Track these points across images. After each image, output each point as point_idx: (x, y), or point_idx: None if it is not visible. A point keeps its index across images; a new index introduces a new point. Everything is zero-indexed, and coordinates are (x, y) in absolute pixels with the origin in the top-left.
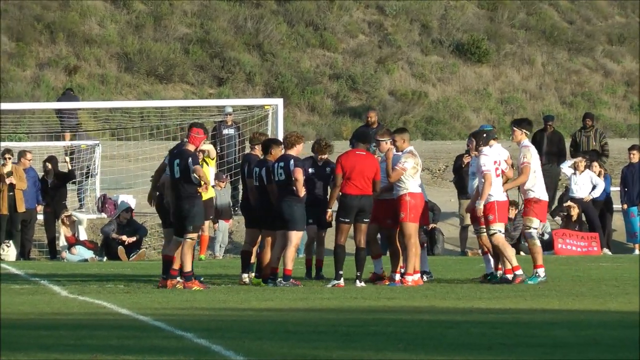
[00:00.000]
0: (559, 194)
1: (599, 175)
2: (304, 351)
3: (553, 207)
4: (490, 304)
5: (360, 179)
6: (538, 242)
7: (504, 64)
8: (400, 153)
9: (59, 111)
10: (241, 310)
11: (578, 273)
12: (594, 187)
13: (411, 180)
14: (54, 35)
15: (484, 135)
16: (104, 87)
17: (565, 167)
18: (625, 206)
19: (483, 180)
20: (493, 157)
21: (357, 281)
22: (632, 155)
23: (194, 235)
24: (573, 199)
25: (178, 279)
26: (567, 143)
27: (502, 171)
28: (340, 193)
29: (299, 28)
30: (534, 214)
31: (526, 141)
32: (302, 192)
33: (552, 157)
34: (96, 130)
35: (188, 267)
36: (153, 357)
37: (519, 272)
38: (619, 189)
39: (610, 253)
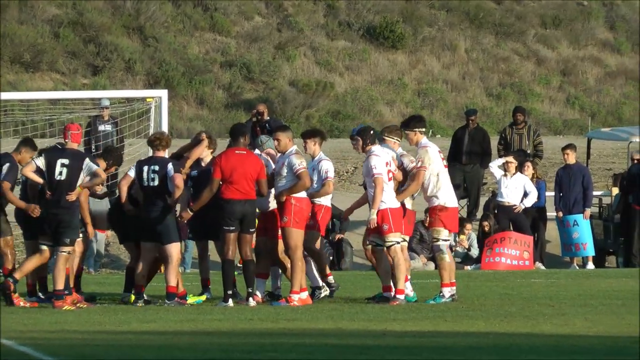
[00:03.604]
0: (483, 200)
1: (532, 178)
2: None
3: (479, 215)
4: (406, 326)
5: (243, 182)
6: (447, 257)
7: (421, 50)
8: (281, 154)
9: None
10: (119, 334)
11: (507, 290)
12: (525, 194)
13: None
14: None
15: (372, 132)
16: None
17: (495, 167)
18: (561, 214)
19: (374, 185)
20: (385, 157)
21: (250, 299)
22: (566, 156)
23: (70, 249)
24: (501, 206)
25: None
26: (495, 141)
27: (393, 174)
28: (221, 199)
29: (185, 8)
30: (441, 224)
31: (424, 140)
32: (175, 201)
33: (474, 157)
34: None
35: (60, 285)
36: None
37: (401, 296)
38: (553, 193)
39: (543, 268)
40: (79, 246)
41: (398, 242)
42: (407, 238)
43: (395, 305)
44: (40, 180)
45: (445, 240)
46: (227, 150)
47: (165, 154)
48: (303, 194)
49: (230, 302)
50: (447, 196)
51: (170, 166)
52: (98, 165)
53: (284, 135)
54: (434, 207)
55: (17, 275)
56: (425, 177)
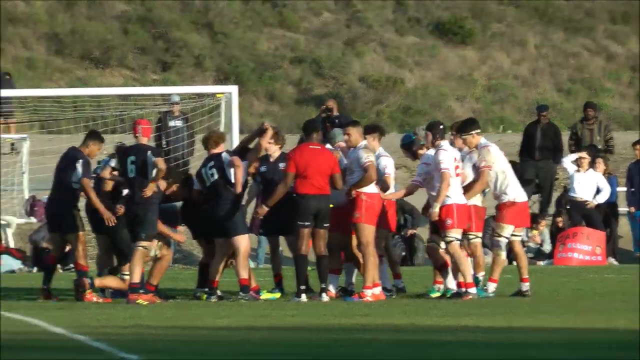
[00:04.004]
0: (555, 195)
1: (603, 174)
2: None
3: (551, 211)
4: (479, 322)
5: (318, 177)
6: (503, 256)
7: (491, 46)
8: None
9: None
10: (193, 329)
11: (580, 285)
12: (598, 191)
13: None
14: None
15: (441, 127)
16: (32, 73)
17: (568, 162)
18: (633, 209)
19: (441, 180)
20: (453, 153)
21: (323, 295)
22: (638, 151)
23: (147, 244)
24: (574, 201)
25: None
26: (565, 136)
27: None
28: (295, 194)
29: (254, 4)
30: (507, 220)
31: (483, 140)
32: (241, 185)
33: (546, 152)
34: (23, 122)
35: (136, 278)
36: None
37: (473, 290)
38: (624, 189)
39: (616, 263)
40: (167, 250)
41: (458, 239)
42: (480, 234)
43: (467, 300)
44: (119, 179)
45: (507, 238)
46: (301, 145)
47: (220, 149)
48: (374, 190)
49: (304, 298)
50: (516, 191)
51: (224, 155)
52: (159, 155)
53: (354, 129)
54: (503, 203)
55: (96, 282)
56: (490, 176)
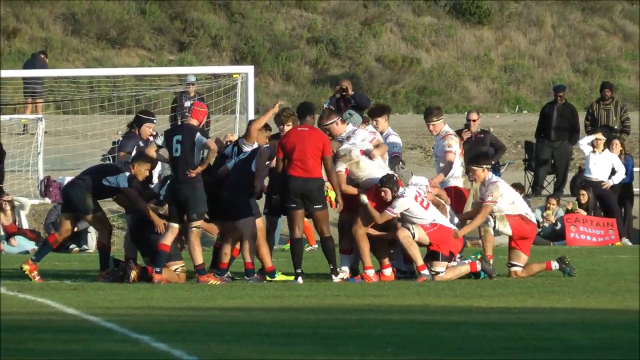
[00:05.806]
0: (570, 176)
1: (620, 155)
2: (278, 356)
3: (566, 192)
4: (492, 303)
5: (304, 159)
6: (492, 231)
7: (508, 26)
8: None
9: (26, 78)
10: (205, 310)
11: (593, 266)
12: (613, 172)
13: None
14: None
15: (394, 178)
16: (48, 53)
17: (584, 144)
18: None
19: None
20: (411, 193)
21: (333, 275)
22: None
23: (199, 223)
24: (588, 182)
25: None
26: (582, 117)
27: (428, 202)
28: (284, 176)
29: None
30: (511, 224)
31: (491, 176)
32: (260, 176)
33: (562, 132)
34: (39, 103)
35: (198, 260)
36: None
37: (425, 272)
38: (639, 169)
39: (630, 243)
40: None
41: (412, 230)
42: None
43: (480, 281)
44: (165, 159)
45: (503, 231)
46: (290, 129)
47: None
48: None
49: (300, 280)
50: (528, 211)
51: (240, 140)
52: (207, 137)
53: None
54: (519, 214)
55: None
56: (495, 210)
